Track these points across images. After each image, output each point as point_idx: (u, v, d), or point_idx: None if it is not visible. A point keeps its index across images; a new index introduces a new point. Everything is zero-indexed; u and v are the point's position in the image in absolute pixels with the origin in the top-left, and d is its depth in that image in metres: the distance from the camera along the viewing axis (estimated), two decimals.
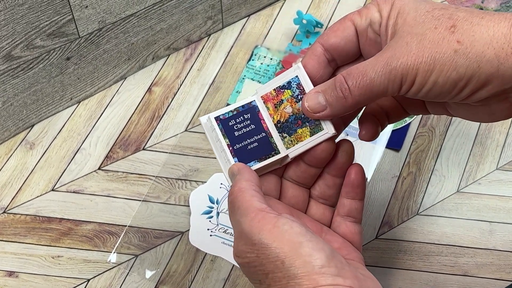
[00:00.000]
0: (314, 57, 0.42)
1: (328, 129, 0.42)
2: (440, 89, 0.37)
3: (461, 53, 0.35)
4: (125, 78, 0.70)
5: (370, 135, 0.44)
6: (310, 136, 0.42)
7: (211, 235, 0.60)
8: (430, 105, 0.44)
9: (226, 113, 0.43)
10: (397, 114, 0.45)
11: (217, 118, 0.42)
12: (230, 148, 0.42)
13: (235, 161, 0.42)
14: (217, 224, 0.61)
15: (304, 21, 0.71)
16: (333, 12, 0.74)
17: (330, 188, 0.44)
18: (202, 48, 0.71)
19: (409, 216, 0.62)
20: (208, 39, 0.72)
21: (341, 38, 0.41)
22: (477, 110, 0.39)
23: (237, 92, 0.69)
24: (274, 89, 0.43)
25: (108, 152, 0.65)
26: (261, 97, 0.43)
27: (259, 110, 0.43)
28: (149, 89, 0.69)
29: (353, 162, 0.44)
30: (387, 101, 0.45)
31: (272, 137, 0.42)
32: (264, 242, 0.35)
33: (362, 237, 0.44)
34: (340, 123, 0.44)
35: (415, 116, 0.66)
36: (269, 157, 0.42)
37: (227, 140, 0.42)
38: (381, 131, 0.45)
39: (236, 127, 0.42)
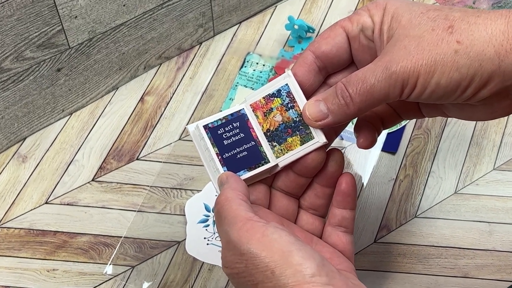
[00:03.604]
0: (305, 64, 0.41)
1: (319, 138, 0.41)
2: (443, 90, 0.36)
3: (461, 53, 0.35)
4: (117, 88, 0.69)
5: (368, 142, 0.43)
6: (301, 145, 0.41)
7: (208, 244, 0.59)
8: (425, 108, 0.43)
9: (214, 121, 0.42)
10: (391, 120, 0.45)
11: (205, 127, 0.42)
12: (219, 157, 0.41)
13: (224, 170, 0.41)
14: (214, 233, 0.60)
15: (296, 27, 0.70)
16: (325, 16, 0.74)
17: (320, 198, 0.43)
18: (194, 56, 0.71)
19: (407, 219, 0.61)
20: (199, 47, 0.72)
21: (332, 45, 0.41)
22: (476, 109, 0.39)
23: (230, 99, 0.68)
24: (264, 97, 0.42)
25: (102, 163, 0.64)
26: (250, 105, 0.42)
27: (248, 119, 0.42)
28: (141, 99, 0.68)
29: (344, 172, 0.43)
30: (381, 107, 0.44)
31: (262, 146, 0.42)
32: (253, 251, 0.35)
33: (354, 247, 0.43)
34: (332, 132, 0.43)
35: (402, 121, 0.64)
36: (258, 166, 0.41)
37: (216, 149, 0.41)
38: (377, 137, 0.44)
39: (225, 135, 0.42)
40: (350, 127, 0.65)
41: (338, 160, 0.43)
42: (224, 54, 0.71)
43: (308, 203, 0.44)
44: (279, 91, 0.42)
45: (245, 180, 0.41)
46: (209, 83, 0.69)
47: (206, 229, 0.60)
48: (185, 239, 0.60)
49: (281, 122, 0.42)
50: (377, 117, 0.44)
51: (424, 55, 0.36)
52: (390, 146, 0.65)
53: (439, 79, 0.36)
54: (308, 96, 0.42)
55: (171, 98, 0.68)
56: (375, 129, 0.44)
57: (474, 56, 0.35)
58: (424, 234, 0.60)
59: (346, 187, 0.42)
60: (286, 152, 0.41)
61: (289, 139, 0.41)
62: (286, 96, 0.42)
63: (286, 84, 0.42)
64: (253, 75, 0.69)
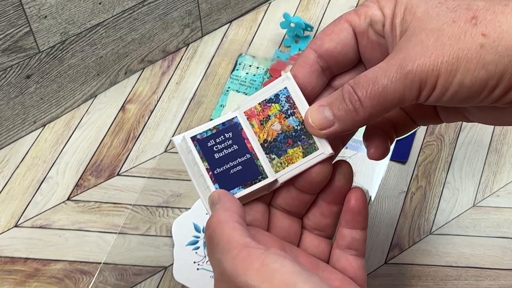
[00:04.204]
0: (306, 65, 0.40)
1: (324, 149, 0.40)
2: (467, 91, 0.34)
3: (488, 47, 0.33)
4: (95, 96, 0.69)
5: (380, 153, 0.41)
6: (303, 158, 0.40)
7: (198, 269, 0.58)
8: (444, 113, 0.42)
9: (204, 132, 0.40)
10: (405, 126, 0.43)
11: (193, 138, 0.40)
12: (210, 172, 0.40)
13: (215, 188, 0.40)
14: (205, 256, 0.59)
15: (292, 25, 0.71)
16: (324, 13, 0.74)
17: (326, 217, 0.42)
18: (180, 59, 0.71)
19: (421, 236, 0.60)
20: (186, 49, 0.72)
21: (337, 42, 0.40)
22: (505, 112, 0.37)
23: (221, 106, 0.68)
24: (260, 103, 0.41)
25: (78, 180, 0.64)
26: (244, 112, 0.41)
27: (242, 128, 0.41)
28: (122, 107, 0.68)
29: (353, 186, 0.41)
30: (393, 112, 0.43)
31: (258, 159, 0.40)
32: (251, 284, 0.33)
33: (366, 272, 0.41)
34: (338, 142, 0.42)
35: (417, 127, 0.64)
36: (255, 183, 0.40)
37: (206, 164, 0.40)
38: (390, 146, 0.43)
39: (216, 148, 0.40)
40: (355, 134, 0.64)
41: (346, 174, 0.41)
42: (213, 56, 0.71)
43: (313, 223, 0.42)
44: (277, 96, 0.40)
45: (240, 198, 0.39)
46: (197, 89, 0.69)
47: (196, 252, 0.59)
48: (172, 264, 0.58)
49: (280, 132, 0.40)
50: (389, 124, 0.43)
51: (444, 51, 0.34)
52: (400, 155, 0.64)
53: (462, 78, 0.34)
54: (310, 101, 0.40)
55: (155, 106, 0.68)
56: (387, 137, 0.42)
57: (502, 50, 0.33)
58: (441, 253, 0.59)
59: (356, 204, 0.41)
60: (287, 166, 0.40)
61: (290, 151, 0.40)
62: (285, 101, 0.40)
63: (285, 88, 0.40)
64: (246, 78, 0.69)
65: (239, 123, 0.40)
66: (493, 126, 0.65)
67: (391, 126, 0.43)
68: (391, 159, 0.64)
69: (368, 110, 0.36)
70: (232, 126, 0.40)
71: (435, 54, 0.34)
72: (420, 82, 0.34)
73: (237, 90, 0.68)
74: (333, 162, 0.41)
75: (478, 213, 0.61)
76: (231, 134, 0.40)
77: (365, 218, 0.41)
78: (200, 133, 0.40)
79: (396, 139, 0.63)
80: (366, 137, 0.42)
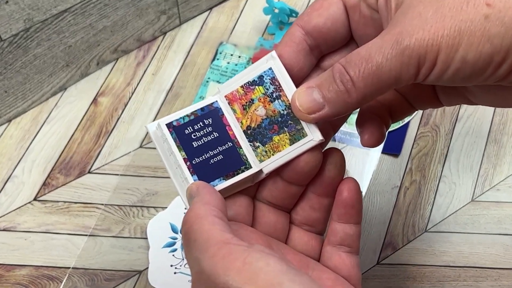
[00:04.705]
0: (292, 43, 0.39)
1: (313, 135, 0.38)
2: (471, 68, 0.33)
3: (493, 18, 0.32)
4: (65, 88, 0.68)
5: (375, 139, 0.40)
6: (290, 145, 0.39)
7: (175, 273, 0.58)
8: (444, 94, 0.41)
9: (180, 118, 0.39)
10: (401, 110, 0.42)
11: (169, 125, 0.39)
12: (188, 163, 0.38)
13: (194, 180, 0.38)
14: (183, 259, 0.58)
15: (276, 10, 0.71)
16: None
17: (316, 211, 0.41)
18: (157, 48, 0.71)
19: (416, 234, 0.60)
20: (163, 37, 0.72)
21: (326, 17, 0.39)
22: (511, 93, 0.36)
23: (200, 97, 0.67)
24: (242, 86, 0.39)
25: (46, 179, 0.63)
26: (225, 96, 0.40)
27: (223, 114, 0.39)
28: (94, 100, 0.68)
29: (345, 177, 0.40)
30: (388, 94, 0.42)
31: (241, 148, 0.39)
32: (232, 285, 0.32)
33: (360, 270, 0.41)
34: (328, 128, 0.41)
35: (414, 112, 0.65)
36: (237, 173, 0.38)
37: (183, 153, 0.39)
38: (386, 132, 0.42)
39: (194, 135, 0.39)
40: (344, 126, 0.64)
41: (337, 163, 0.40)
42: (192, 45, 0.71)
43: (302, 218, 0.41)
44: (261, 77, 0.39)
45: (221, 191, 0.38)
46: (175, 80, 0.69)
47: (173, 255, 0.58)
48: (147, 267, 0.58)
49: (265, 117, 0.39)
50: (384, 108, 0.42)
51: (445, 23, 0.33)
52: (392, 147, 0.64)
53: (465, 54, 0.33)
54: (298, 82, 0.39)
55: (130, 98, 0.68)
56: (382, 123, 0.41)
57: (509, 22, 0.32)
58: (437, 252, 0.59)
59: (349, 196, 0.40)
60: (272, 155, 0.39)
61: (276, 138, 0.39)
62: (270, 83, 0.39)
63: (270, 68, 0.39)
64: (227, 68, 0.68)
65: (220, 108, 0.39)
66: (491, 116, 0.65)
67: (386, 110, 0.41)
68: (383, 152, 0.64)
69: (361, 91, 0.35)
70: (212, 112, 0.39)
71: (434, 27, 0.33)
72: (418, 58, 0.33)
73: (217, 81, 0.68)
74: (323, 150, 0.40)
75: (477, 209, 0.61)
76: (210, 121, 0.39)
77: (359, 212, 0.40)
78: (177, 120, 0.39)
79: (388, 131, 0.63)
80: (359, 122, 0.41)
